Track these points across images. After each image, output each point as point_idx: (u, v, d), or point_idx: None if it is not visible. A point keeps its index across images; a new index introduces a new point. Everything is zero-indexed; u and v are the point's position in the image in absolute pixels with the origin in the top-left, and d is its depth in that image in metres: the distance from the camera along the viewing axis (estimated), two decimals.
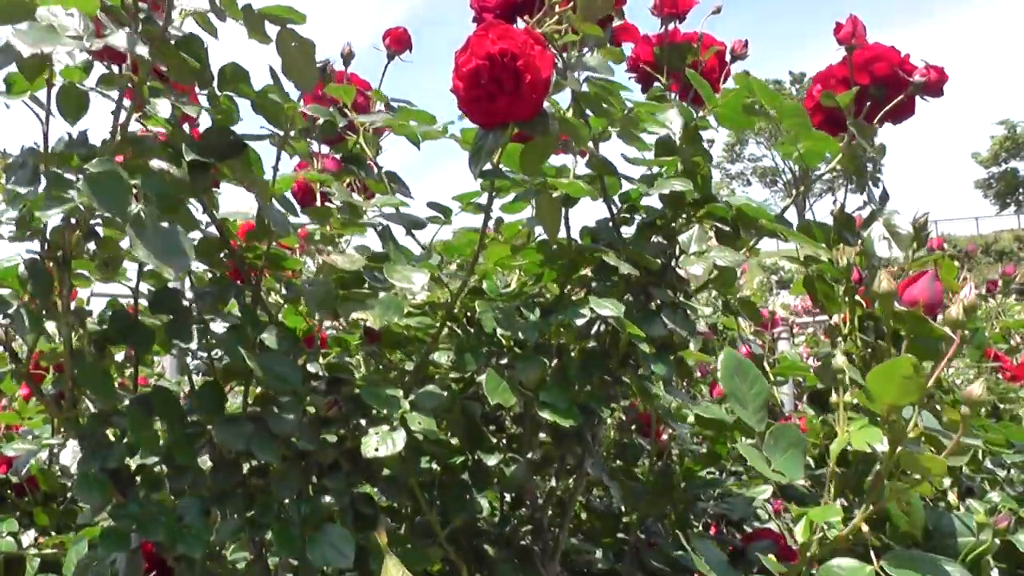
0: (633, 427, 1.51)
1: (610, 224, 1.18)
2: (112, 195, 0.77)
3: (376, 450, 0.93)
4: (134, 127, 0.93)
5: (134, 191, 0.79)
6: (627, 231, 1.21)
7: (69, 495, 1.26)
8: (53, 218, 0.85)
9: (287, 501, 1.02)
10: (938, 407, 1.23)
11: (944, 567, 0.84)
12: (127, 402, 0.99)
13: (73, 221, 0.88)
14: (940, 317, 0.86)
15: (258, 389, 1.14)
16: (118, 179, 0.78)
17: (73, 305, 0.98)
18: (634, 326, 1.02)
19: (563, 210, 1.09)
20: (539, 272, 1.23)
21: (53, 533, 1.35)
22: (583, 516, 1.57)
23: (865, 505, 0.87)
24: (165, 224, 0.78)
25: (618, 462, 1.44)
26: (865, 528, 0.86)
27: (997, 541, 1.23)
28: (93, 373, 0.92)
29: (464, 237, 1.24)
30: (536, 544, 1.27)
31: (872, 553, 0.85)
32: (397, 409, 0.97)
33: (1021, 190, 36.75)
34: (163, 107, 0.91)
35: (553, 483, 1.30)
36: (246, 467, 1.09)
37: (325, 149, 1.22)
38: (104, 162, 0.79)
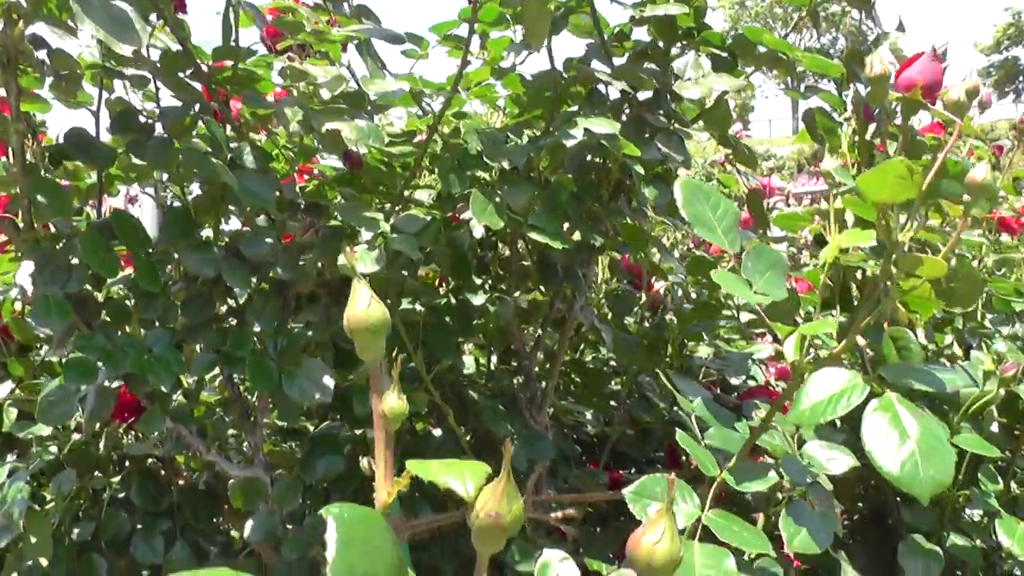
0: (625, 281, 1.46)
1: (601, 51, 1.11)
2: None
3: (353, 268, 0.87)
4: None
5: None
6: (618, 63, 1.14)
7: (45, 347, 1.21)
8: None
9: (263, 335, 0.97)
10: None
11: (940, 376, 0.80)
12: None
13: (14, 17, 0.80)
14: (939, 102, 0.80)
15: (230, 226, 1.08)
16: None
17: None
18: (630, 145, 0.96)
19: (549, 26, 1.01)
20: (523, 109, 1.17)
21: None
22: (574, 379, 1.54)
23: (860, 317, 0.81)
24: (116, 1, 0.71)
25: (610, 316, 1.39)
26: (861, 341, 0.81)
27: (1002, 392, 1.20)
28: (46, 185, 0.86)
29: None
30: (524, 393, 1.23)
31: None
32: (376, 229, 0.91)
33: (1021, 78, 36.45)
34: None
35: (541, 332, 1.26)
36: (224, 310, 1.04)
37: None
38: None
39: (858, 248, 0.92)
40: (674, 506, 0.84)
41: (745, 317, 1.62)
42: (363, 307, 0.43)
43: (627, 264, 1.49)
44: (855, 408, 1.19)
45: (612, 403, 1.50)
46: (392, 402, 0.44)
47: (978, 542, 1.24)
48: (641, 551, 0.40)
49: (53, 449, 1.11)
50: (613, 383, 1.54)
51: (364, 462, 0.45)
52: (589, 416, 1.50)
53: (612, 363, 1.54)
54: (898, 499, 1.34)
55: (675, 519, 0.40)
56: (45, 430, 1.09)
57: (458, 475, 0.42)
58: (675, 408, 1.35)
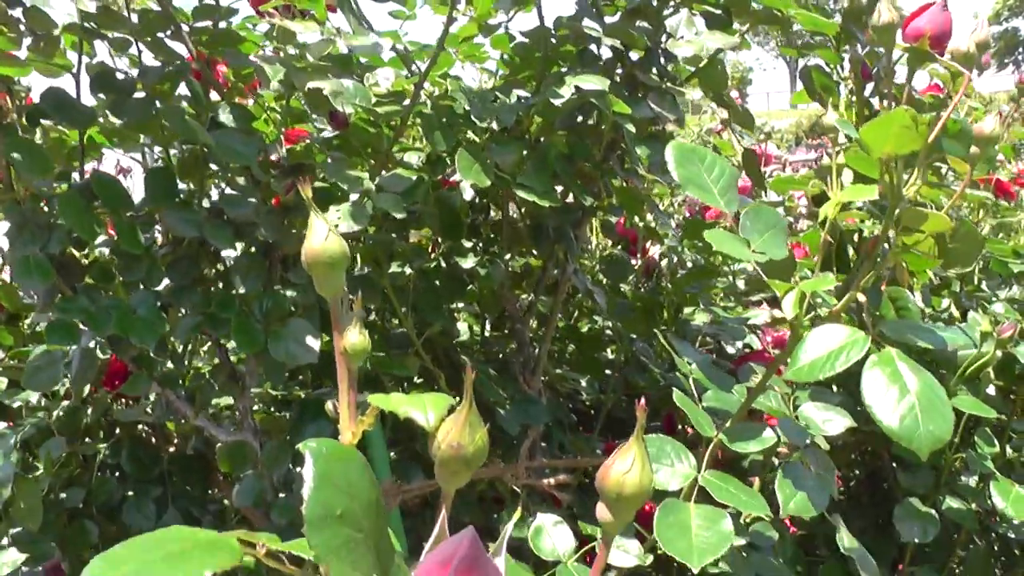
0: (619, 246, 1.44)
1: (592, 9, 1.08)
2: None
3: (335, 226, 0.86)
4: None
5: None
6: (609, 21, 1.12)
7: (33, 315, 1.20)
8: None
9: (249, 297, 0.96)
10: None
11: (940, 333, 0.78)
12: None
13: None
14: (947, 53, 0.78)
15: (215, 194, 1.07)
16: None
17: None
18: (620, 102, 0.94)
19: None
20: (513, 71, 1.15)
21: None
22: (568, 347, 1.53)
23: (861, 274, 0.80)
24: None
25: (604, 281, 1.38)
26: (861, 298, 0.79)
27: (999, 353, 1.18)
28: (23, 143, 0.84)
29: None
30: (517, 358, 1.21)
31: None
32: (361, 187, 0.89)
33: (1020, 50, 36.21)
34: None
35: (533, 297, 1.24)
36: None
37: None
38: None
39: (858, 208, 0.91)
40: (671, 466, 0.84)
41: (742, 286, 1.61)
42: (320, 240, 0.41)
43: (622, 230, 1.48)
44: (853, 367, 1.18)
45: (607, 371, 1.49)
46: (354, 338, 0.42)
47: (973, 506, 1.24)
48: (610, 481, 0.38)
49: (43, 416, 1.10)
50: (608, 351, 1.52)
51: (329, 405, 0.43)
52: (584, 384, 1.49)
53: (608, 332, 1.52)
54: (894, 464, 1.33)
55: (646, 448, 0.38)
56: (34, 397, 1.08)
57: (419, 405, 0.40)
58: (671, 374, 1.34)
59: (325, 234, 0.41)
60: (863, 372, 0.70)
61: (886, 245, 0.82)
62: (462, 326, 1.37)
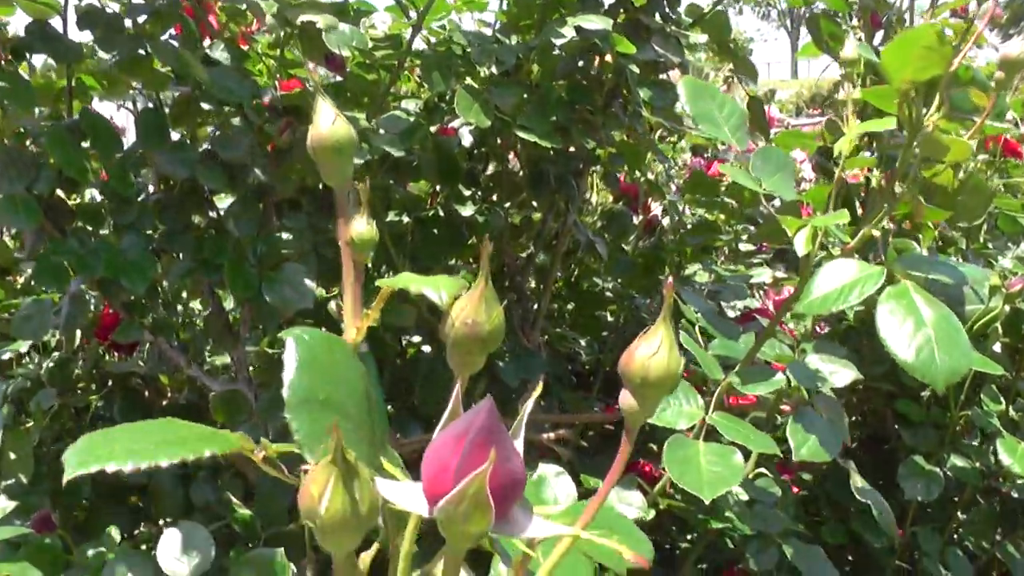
0: (620, 202, 1.42)
1: None
2: None
3: None
4: None
5: None
6: None
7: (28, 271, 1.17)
8: None
9: (243, 241, 0.94)
10: None
11: (959, 267, 0.76)
12: None
13: None
14: None
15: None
16: None
17: None
18: (624, 41, 0.92)
19: None
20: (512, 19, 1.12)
21: None
22: (568, 307, 1.51)
23: (876, 211, 0.78)
24: None
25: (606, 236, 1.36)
26: (876, 233, 0.77)
27: (1007, 308, 1.16)
28: (8, 76, 0.82)
29: None
30: (516, 311, 1.19)
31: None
32: (358, 126, 0.87)
33: None
34: None
35: (533, 249, 1.22)
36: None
37: None
38: None
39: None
40: (679, 406, 0.82)
41: (744, 248, 1.59)
42: (327, 125, 0.39)
43: (624, 186, 1.46)
44: (854, 324, 1.16)
45: (605, 332, 1.47)
46: (360, 227, 0.40)
47: (977, 464, 1.22)
48: (635, 365, 0.35)
49: (33, 368, 1.08)
50: (608, 313, 1.50)
51: (332, 304, 0.41)
52: (583, 345, 1.47)
53: (608, 293, 1.50)
54: (896, 425, 1.32)
55: (673, 331, 0.35)
56: (24, 347, 1.06)
57: (431, 284, 0.38)
58: (674, 328, 1.32)
59: (332, 118, 0.39)
60: (877, 306, 0.68)
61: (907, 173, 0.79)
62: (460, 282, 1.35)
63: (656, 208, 1.44)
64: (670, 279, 0.35)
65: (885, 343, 0.67)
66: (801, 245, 0.78)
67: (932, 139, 0.73)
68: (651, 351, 0.35)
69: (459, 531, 0.33)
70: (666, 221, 1.45)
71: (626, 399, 0.37)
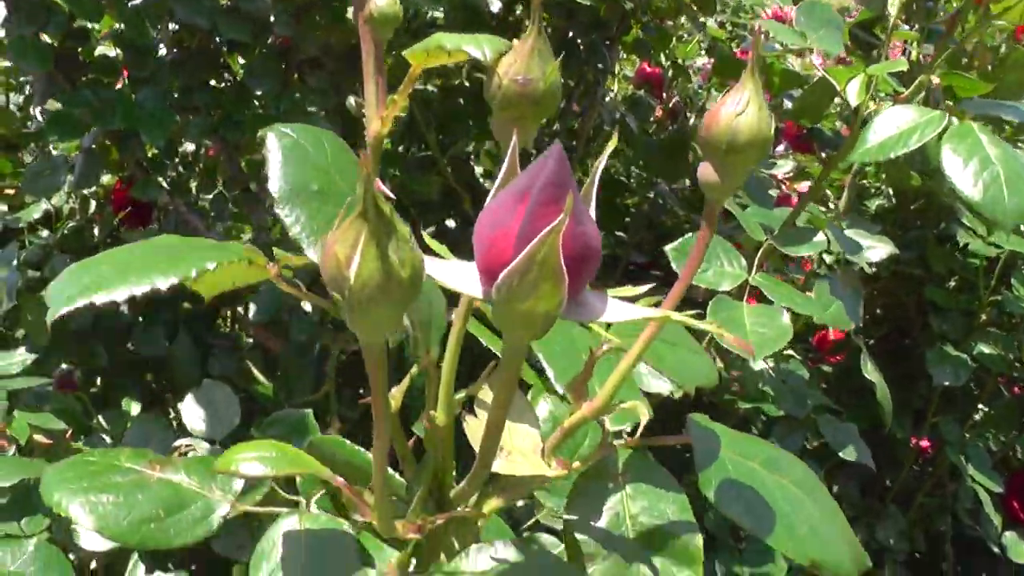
0: (642, 90, 1.37)
1: None
2: None
3: None
4: None
5: None
6: None
7: (33, 144, 1.13)
8: None
9: (265, 98, 0.90)
10: None
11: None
12: None
13: None
14: None
15: None
16: None
17: None
18: None
19: None
20: None
21: None
22: None
23: (936, 54, 0.74)
24: None
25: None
26: (935, 80, 0.73)
27: None
28: None
29: None
30: None
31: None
32: None
33: None
34: None
35: (559, 126, 1.18)
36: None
37: None
38: None
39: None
40: (720, 268, 0.79)
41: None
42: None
43: (646, 72, 1.41)
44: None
45: (627, 220, 1.44)
46: (381, 1, 0.35)
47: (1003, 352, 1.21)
48: (720, 126, 0.30)
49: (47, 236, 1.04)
50: (628, 202, 1.47)
51: (351, 100, 0.37)
52: (603, 235, 1.44)
53: (630, 180, 1.47)
54: (920, 315, 1.30)
55: (761, 89, 0.30)
56: (36, 213, 1.02)
57: (472, 41, 0.34)
58: (693, 215, 1.29)
59: None
60: (942, 146, 0.65)
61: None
62: (478, 169, 1.32)
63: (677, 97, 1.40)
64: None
65: (950, 182, 0.64)
66: (854, 95, 0.75)
67: None
68: (738, 108, 0.30)
69: (524, 312, 0.27)
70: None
71: (706, 172, 0.33)
